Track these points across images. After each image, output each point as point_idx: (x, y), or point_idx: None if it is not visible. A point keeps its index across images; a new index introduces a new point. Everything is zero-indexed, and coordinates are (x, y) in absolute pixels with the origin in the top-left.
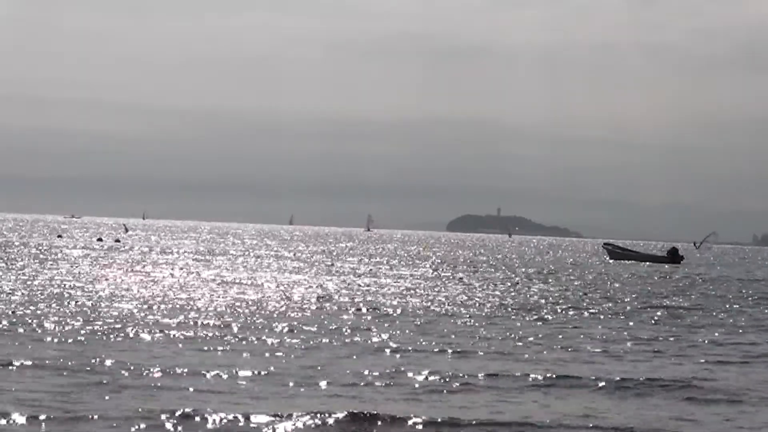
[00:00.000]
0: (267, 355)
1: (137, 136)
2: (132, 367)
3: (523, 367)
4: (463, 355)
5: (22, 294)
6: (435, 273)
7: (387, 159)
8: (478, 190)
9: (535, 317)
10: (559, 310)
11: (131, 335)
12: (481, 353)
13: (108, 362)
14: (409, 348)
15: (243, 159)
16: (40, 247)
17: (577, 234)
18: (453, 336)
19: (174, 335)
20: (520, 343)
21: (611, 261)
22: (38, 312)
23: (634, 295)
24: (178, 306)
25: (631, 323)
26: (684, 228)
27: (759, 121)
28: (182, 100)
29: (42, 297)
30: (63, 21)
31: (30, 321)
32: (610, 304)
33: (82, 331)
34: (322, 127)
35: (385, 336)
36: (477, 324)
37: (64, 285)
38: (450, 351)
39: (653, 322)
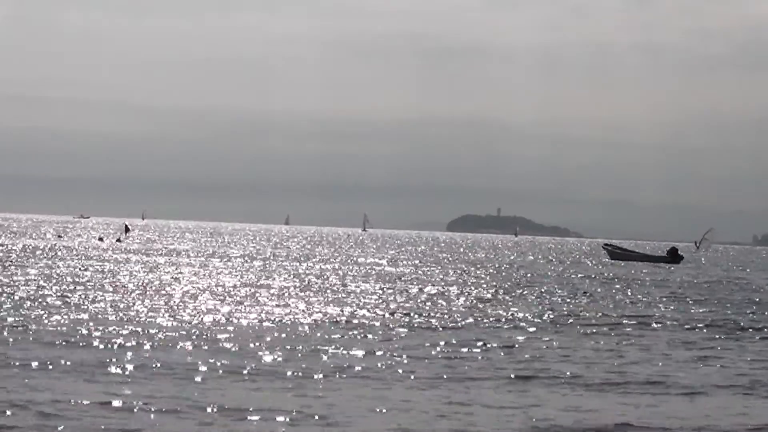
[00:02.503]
0: None
1: (137, 136)
2: None
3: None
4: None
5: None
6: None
7: (386, 159)
8: (478, 190)
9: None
10: None
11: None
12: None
13: None
14: None
15: (241, 159)
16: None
17: (577, 234)
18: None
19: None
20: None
21: (612, 261)
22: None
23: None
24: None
25: None
26: (684, 228)
27: (759, 121)
28: (182, 100)
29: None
30: (63, 21)
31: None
32: None
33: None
34: (320, 126)
35: None
36: None
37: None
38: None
39: None
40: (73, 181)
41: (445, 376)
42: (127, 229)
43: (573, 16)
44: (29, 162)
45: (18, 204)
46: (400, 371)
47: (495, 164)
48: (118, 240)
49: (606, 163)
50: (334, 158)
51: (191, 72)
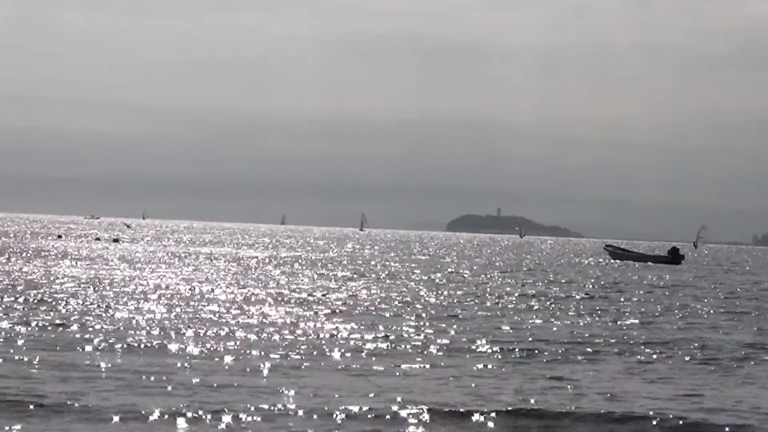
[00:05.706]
0: None
1: (137, 136)
2: None
3: None
4: None
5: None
6: None
7: (386, 159)
8: (478, 190)
9: None
10: None
11: None
12: None
13: None
14: None
15: (241, 159)
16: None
17: (577, 234)
18: None
19: None
20: None
21: (613, 262)
22: None
23: None
24: None
25: None
26: (684, 228)
27: (759, 121)
28: (182, 100)
29: None
30: (63, 21)
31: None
32: None
33: None
34: (320, 126)
35: None
36: None
37: None
38: None
39: None
40: (73, 181)
41: None
42: (128, 227)
43: (573, 16)
44: (29, 162)
45: (18, 204)
46: None
47: (495, 164)
48: (116, 240)
49: (606, 163)
50: (333, 158)
51: (191, 72)
